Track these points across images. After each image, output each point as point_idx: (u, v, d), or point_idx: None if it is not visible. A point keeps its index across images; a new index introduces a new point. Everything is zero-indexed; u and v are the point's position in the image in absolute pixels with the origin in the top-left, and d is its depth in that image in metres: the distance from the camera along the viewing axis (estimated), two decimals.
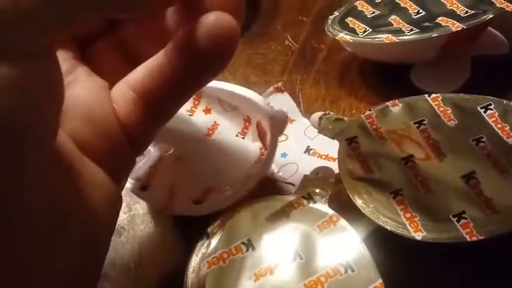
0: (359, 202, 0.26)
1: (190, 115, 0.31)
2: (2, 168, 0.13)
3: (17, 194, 0.14)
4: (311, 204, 0.26)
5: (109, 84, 0.21)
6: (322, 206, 0.26)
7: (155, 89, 0.19)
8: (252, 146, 0.30)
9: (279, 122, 0.29)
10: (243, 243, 0.25)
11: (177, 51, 0.19)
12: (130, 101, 0.20)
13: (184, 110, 0.31)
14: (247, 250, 0.25)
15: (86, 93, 0.19)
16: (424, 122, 0.28)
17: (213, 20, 0.17)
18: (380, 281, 0.23)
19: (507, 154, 0.26)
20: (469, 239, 0.24)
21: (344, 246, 0.24)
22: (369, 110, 0.29)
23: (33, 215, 0.15)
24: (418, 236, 0.24)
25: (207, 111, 0.32)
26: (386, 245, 0.25)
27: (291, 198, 0.27)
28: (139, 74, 0.20)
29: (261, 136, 0.30)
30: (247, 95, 0.29)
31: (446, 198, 0.25)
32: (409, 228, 0.25)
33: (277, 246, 0.25)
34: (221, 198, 0.28)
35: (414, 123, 0.28)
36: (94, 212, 0.18)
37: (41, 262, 0.15)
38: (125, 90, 0.20)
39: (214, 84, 0.30)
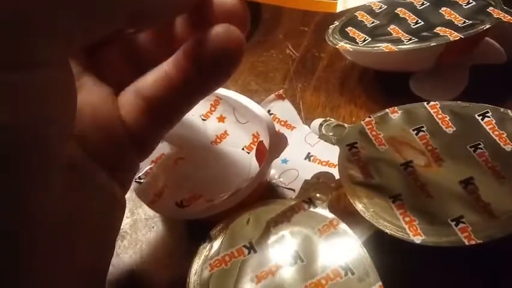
0: (359, 206, 0.26)
1: (204, 120, 0.32)
2: (21, 172, 0.13)
3: (32, 200, 0.14)
4: (312, 209, 0.27)
5: (115, 89, 0.21)
6: (323, 210, 0.27)
7: (162, 96, 0.20)
8: (254, 162, 0.31)
9: (277, 146, 0.29)
10: (244, 246, 0.25)
11: (186, 60, 0.19)
12: (137, 107, 0.20)
13: (198, 114, 0.32)
14: (249, 253, 0.25)
15: (93, 100, 0.20)
16: (423, 129, 0.29)
17: (221, 32, 0.18)
18: (380, 283, 0.23)
19: (504, 160, 0.26)
20: (467, 243, 0.24)
21: (344, 249, 0.25)
22: (369, 116, 0.30)
23: (47, 218, 0.15)
24: (417, 239, 0.25)
25: (221, 119, 0.32)
26: (386, 249, 0.25)
27: (292, 202, 0.27)
28: (147, 80, 0.20)
29: (258, 155, 0.31)
30: (257, 112, 0.30)
31: (444, 203, 0.26)
32: (408, 232, 0.25)
33: (279, 249, 0.25)
34: (204, 208, 0.28)
35: (413, 129, 0.29)
36: (100, 213, 0.18)
37: (55, 260, 0.16)
38: (131, 97, 0.20)
39: (232, 95, 0.30)
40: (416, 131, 0.28)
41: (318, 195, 0.27)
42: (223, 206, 0.27)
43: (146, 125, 0.20)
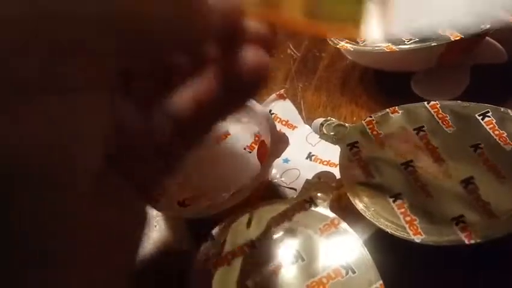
0: (360, 206, 0.27)
1: None
2: (56, 188, 0.14)
3: (66, 220, 0.14)
4: (313, 208, 0.27)
5: (142, 105, 0.21)
6: (324, 210, 0.27)
7: (189, 114, 0.20)
8: (256, 161, 0.31)
9: (279, 145, 0.29)
10: (246, 245, 0.26)
11: (214, 81, 0.20)
12: (164, 124, 0.20)
13: None
14: (250, 252, 0.25)
15: (122, 113, 0.20)
16: (423, 129, 0.29)
17: (250, 56, 0.19)
18: (381, 282, 0.23)
19: (504, 160, 0.26)
20: (467, 242, 0.24)
21: (345, 248, 0.25)
22: (370, 116, 0.30)
23: (78, 231, 0.15)
24: (418, 238, 0.25)
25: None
26: (386, 248, 0.25)
27: (294, 202, 0.27)
28: (176, 98, 0.21)
29: (260, 154, 0.31)
30: (259, 112, 0.30)
31: (445, 202, 0.26)
32: (409, 231, 0.25)
33: (280, 248, 0.25)
34: (206, 207, 0.28)
35: (414, 129, 0.29)
36: (127, 226, 0.18)
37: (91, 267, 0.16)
38: (159, 113, 0.21)
39: None
40: (416, 131, 0.29)
41: (319, 194, 0.27)
42: (225, 205, 0.27)
43: (173, 143, 0.20)
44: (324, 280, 0.24)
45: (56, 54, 0.13)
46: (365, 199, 0.27)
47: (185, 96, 0.20)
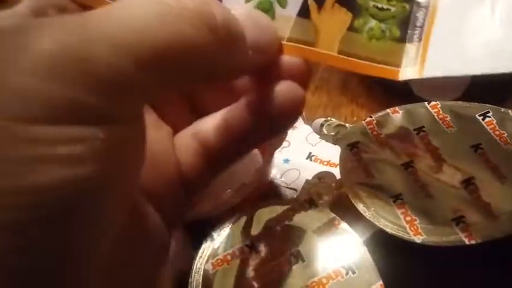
0: (360, 206, 0.26)
1: None
2: (83, 225, 0.13)
3: (92, 249, 0.14)
4: (313, 208, 0.27)
5: (172, 130, 0.21)
6: (324, 210, 0.27)
7: (219, 142, 0.20)
8: (256, 153, 0.31)
9: (278, 137, 0.29)
10: (246, 245, 0.26)
11: (247, 112, 0.19)
12: (193, 151, 0.20)
13: None
14: (250, 252, 0.25)
15: (151, 138, 0.20)
16: (424, 129, 0.29)
17: (285, 90, 0.18)
18: (381, 282, 0.23)
19: (505, 160, 0.26)
20: (467, 242, 0.24)
21: (345, 248, 0.25)
22: (370, 116, 0.30)
23: (98, 264, 0.15)
24: (418, 239, 0.25)
25: None
26: (387, 248, 0.25)
27: (294, 202, 0.27)
28: (206, 126, 0.20)
29: (260, 147, 0.31)
30: None
31: (445, 202, 0.26)
32: (409, 231, 0.25)
33: (280, 249, 0.25)
34: (210, 206, 0.28)
35: (414, 129, 0.29)
36: (150, 252, 0.18)
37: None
38: (189, 140, 0.20)
39: None
40: (417, 131, 0.29)
41: (319, 195, 0.27)
42: (229, 203, 0.27)
43: (200, 169, 0.20)
44: (324, 280, 0.24)
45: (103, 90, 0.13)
46: (365, 199, 0.27)
47: (215, 124, 0.20)
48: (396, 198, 0.27)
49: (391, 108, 0.30)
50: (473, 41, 0.18)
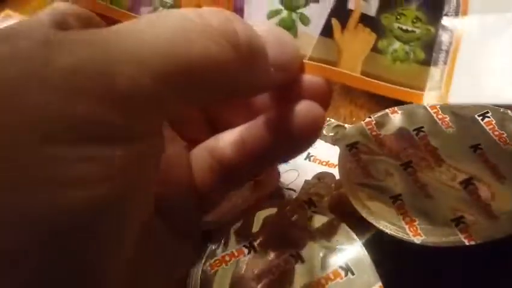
0: (359, 207, 0.26)
1: None
2: (100, 242, 0.13)
3: (103, 269, 0.14)
4: (312, 209, 0.27)
5: (188, 145, 0.21)
6: (323, 211, 0.27)
7: (235, 159, 0.20)
8: None
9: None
10: (245, 246, 0.25)
11: (265, 130, 0.19)
12: (208, 167, 0.20)
13: None
14: (249, 253, 0.25)
15: (167, 154, 0.20)
16: (423, 129, 0.29)
17: (305, 110, 0.18)
18: (380, 284, 0.23)
19: (504, 161, 0.26)
20: (467, 243, 0.24)
21: (344, 249, 0.25)
22: (369, 117, 0.30)
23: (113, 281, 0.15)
24: (417, 240, 0.25)
25: None
26: (386, 249, 0.25)
27: (293, 203, 0.27)
28: (222, 142, 0.20)
29: None
30: None
31: (445, 203, 0.26)
32: (408, 232, 0.25)
33: (279, 250, 0.25)
34: (226, 210, 0.28)
35: (413, 130, 0.29)
36: (163, 269, 0.18)
37: None
38: (205, 155, 0.20)
39: None
40: (416, 131, 0.29)
41: (318, 195, 0.27)
42: (244, 204, 0.27)
43: (215, 185, 0.20)
44: (323, 281, 0.24)
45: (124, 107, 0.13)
46: (364, 200, 0.27)
47: (232, 140, 0.20)
48: (396, 199, 0.26)
49: (390, 109, 0.30)
50: (499, 68, 0.18)
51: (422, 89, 0.19)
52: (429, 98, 0.18)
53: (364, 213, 0.26)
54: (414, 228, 0.25)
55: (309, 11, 0.20)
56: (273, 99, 0.20)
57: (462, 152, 0.27)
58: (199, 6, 0.20)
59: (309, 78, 0.19)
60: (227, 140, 0.20)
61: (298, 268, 0.24)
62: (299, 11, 0.20)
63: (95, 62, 0.13)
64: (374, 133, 0.29)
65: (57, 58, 0.12)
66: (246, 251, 0.25)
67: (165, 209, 0.18)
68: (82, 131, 0.12)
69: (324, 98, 0.19)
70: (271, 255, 0.25)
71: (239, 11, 0.20)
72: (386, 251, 0.25)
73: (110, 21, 0.18)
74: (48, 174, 0.12)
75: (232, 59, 0.15)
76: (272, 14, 0.20)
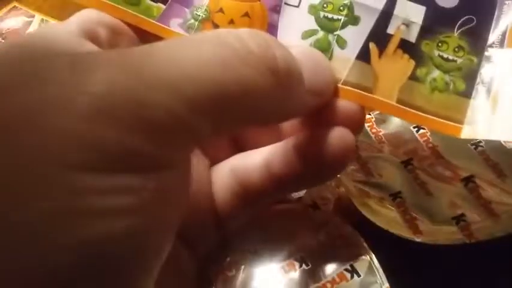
0: (359, 205, 0.26)
1: None
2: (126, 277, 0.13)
3: None
4: (315, 211, 0.26)
5: (209, 160, 0.20)
6: (326, 212, 0.26)
7: (258, 183, 0.19)
8: None
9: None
10: (248, 250, 0.25)
11: (293, 155, 0.18)
12: (230, 188, 0.19)
13: None
14: (252, 257, 0.25)
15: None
16: (423, 127, 0.28)
17: (338, 136, 0.17)
18: (387, 285, 0.23)
19: (505, 158, 0.26)
20: (468, 241, 0.24)
21: (349, 251, 0.25)
22: (369, 114, 0.29)
23: None
24: (418, 238, 0.25)
25: None
26: (390, 248, 0.25)
27: (296, 205, 0.27)
28: (245, 164, 0.19)
29: None
30: None
31: (445, 201, 0.26)
32: (408, 230, 0.25)
33: (283, 253, 0.25)
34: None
35: (414, 127, 0.29)
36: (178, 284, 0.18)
37: None
38: (226, 176, 0.20)
39: None
40: (416, 129, 0.28)
41: (321, 196, 0.27)
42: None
43: (235, 207, 0.19)
44: (329, 285, 0.23)
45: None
46: (365, 198, 0.27)
47: (256, 163, 0.19)
48: (396, 197, 0.26)
49: None
50: None
51: (460, 121, 0.18)
52: (468, 132, 0.18)
53: (365, 212, 0.26)
54: (415, 226, 0.25)
55: (346, 33, 0.19)
56: (303, 122, 0.19)
57: (462, 149, 0.27)
58: (232, 22, 0.19)
59: (344, 103, 0.18)
60: (251, 162, 0.19)
61: (303, 272, 0.24)
62: (336, 32, 0.19)
63: (127, 88, 0.12)
64: (373, 130, 0.29)
65: (91, 83, 0.12)
66: (249, 255, 0.25)
67: (183, 229, 0.18)
68: (116, 159, 0.12)
69: (356, 124, 0.18)
70: (275, 259, 0.25)
71: (273, 28, 0.19)
72: (390, 250, 0.25)
73: (139, 31, 0.17)
74: (77, 204, 0.11)
75: (270, 86, 0.14)
76: (307, 34, 0.19)
